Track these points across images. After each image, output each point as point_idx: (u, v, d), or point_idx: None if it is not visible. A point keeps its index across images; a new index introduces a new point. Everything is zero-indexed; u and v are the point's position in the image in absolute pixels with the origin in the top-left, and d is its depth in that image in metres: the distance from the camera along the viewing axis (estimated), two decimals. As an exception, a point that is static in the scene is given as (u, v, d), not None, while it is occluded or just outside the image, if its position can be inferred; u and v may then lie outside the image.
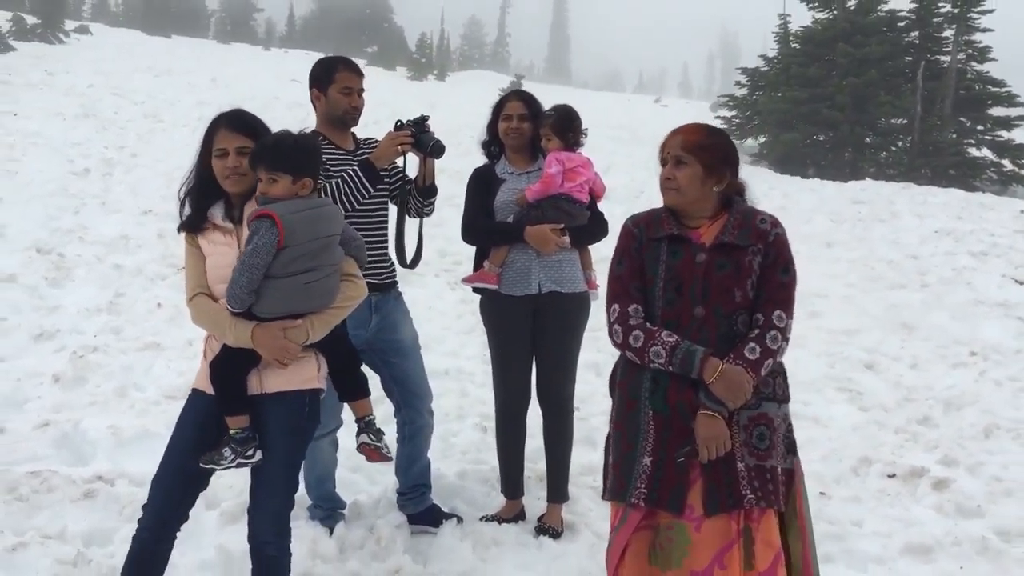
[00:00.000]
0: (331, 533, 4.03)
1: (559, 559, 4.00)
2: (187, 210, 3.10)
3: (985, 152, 22.28)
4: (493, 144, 4.34)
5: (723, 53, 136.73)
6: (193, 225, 3.06)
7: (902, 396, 6.39)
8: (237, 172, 2.98)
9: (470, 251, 4.39)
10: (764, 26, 27.40)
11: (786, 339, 2.77)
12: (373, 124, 17.78)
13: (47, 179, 10.59)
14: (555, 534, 4.20)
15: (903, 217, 13.31)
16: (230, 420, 2.95)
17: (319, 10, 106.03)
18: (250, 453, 2.96)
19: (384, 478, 4.58)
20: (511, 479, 4.38)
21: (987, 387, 6.60)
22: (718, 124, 26.65)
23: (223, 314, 2.95)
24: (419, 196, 4.05)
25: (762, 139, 24.69)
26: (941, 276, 9.93)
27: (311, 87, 3.99)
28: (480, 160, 4.44)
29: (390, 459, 3.41)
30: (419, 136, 3.80)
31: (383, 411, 5.00)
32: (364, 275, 3.83)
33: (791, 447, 2.84)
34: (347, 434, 4.39)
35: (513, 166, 4.27)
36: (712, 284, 2.77)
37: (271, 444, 3.02)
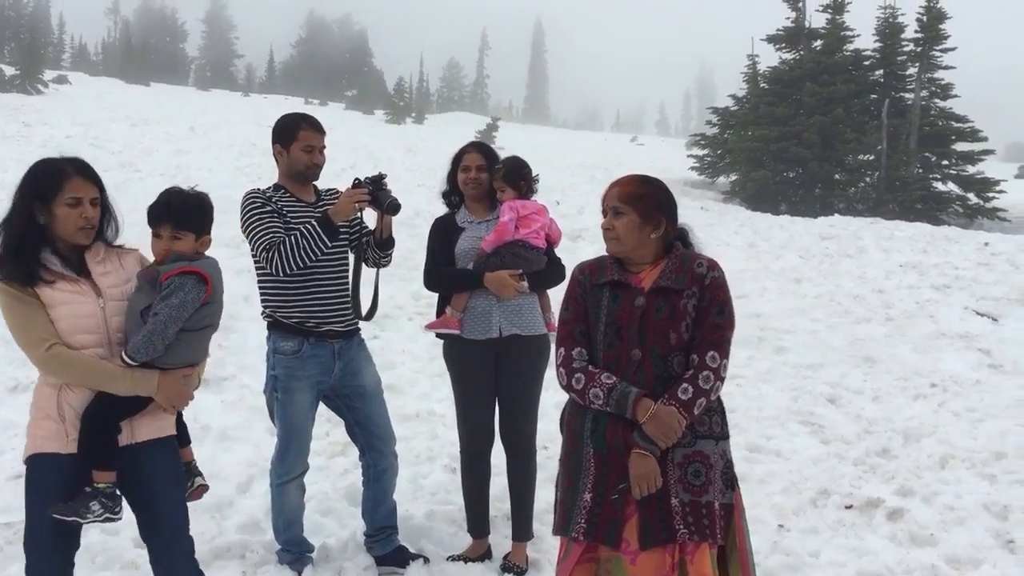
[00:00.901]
0: (299, 576, 4.12)
1: (523, 596, 4.11)
2: (13, 260, 2.88)
3: (951, 186, 22.77)
4: (453, 194, 4.53)
5: (699, 91, 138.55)
6: (30, 275, 2.87)
7: (862, 428, 6.54)
8: (91, 225, 2.96)
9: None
10: (739, 65, 27.88)
11: (720, 379, 2.89)
12: (350, 168, 18.09)
13: (24, 231, 10.65)
14: (519, 571, 4.31)
15: (870, 252, 13.59)
16: (100, 475, 2.93)
17: (299, 55, 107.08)
18: (118, 509, 2.97)
19: (353, 521, 4.69)
20: (476, 518, 4.50)
21: (945, 418, 6.78)
22: (691, 162, 27.11)
23: (104, 364, 2.92)
24: (376, 248, 4.22)
25: (733, 177, 25.09)
26: (905, 309, 10.16)
27: (274, 143, 4.14)
28: (443, 209, 4.62)
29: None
30: (376, 193, 3.94)
31: (352, 454, 5.15)
32: (328, 322, 4.01)
33: (730, 482, 2.95)
34: (314, 479, 4.52)
35: (472, 215, 4.45)
36: (648, 327, 2.93)
37: (160, 488, 3.07)
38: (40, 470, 2.94)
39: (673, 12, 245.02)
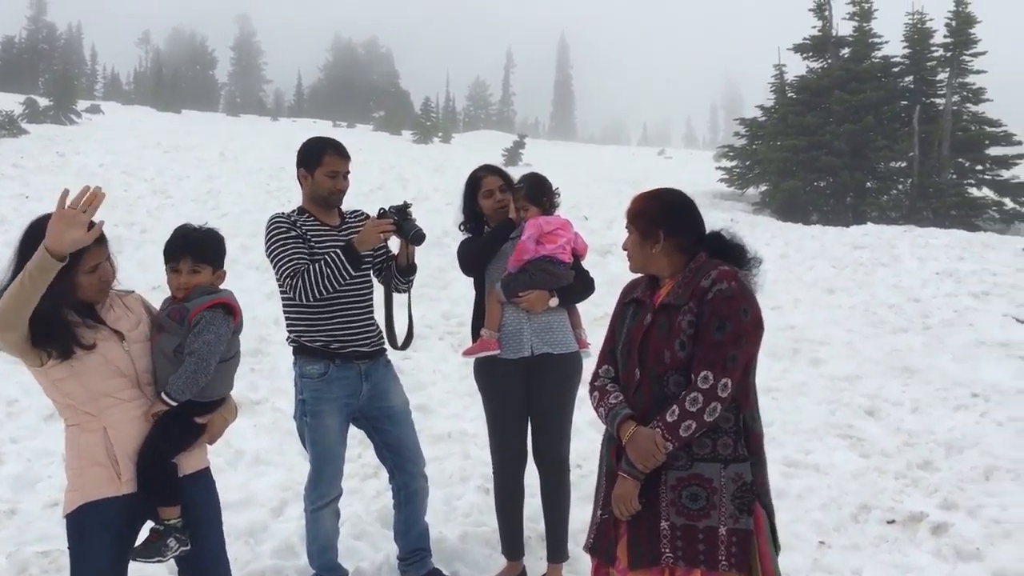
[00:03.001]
0: (334, 602, 4.10)
1: (559, 618, 4.06)
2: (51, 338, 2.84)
3: (986, 192, 22.43)
4: (471, 221, 4.51)
5: (726, 103, 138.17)
6: (67, 348, 2.86)
7: (903, 441, 6.42)
8: (108, 284, 3.02)
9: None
10: (766, 75, 27.75)
11: (717, 399, 2.74)
12: (378, 190, 18.19)
13: (58, 259, 10.79)
14: (555, 593, 4.26)
15: (904, 260, 13.39)
16: (167, 511, 3.00)
17: (326, 79, 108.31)
18: (185, 539, 3.03)
19: (387, 544, 4.66)
20: (511, 540, 4.45)
21: (988, 428, 6.63)
22: (719, 174, 26.96)
23: (12, 287, 2.72)
24: (398, 274, 4.21)
25: (763, 188, 24.91)
26: (943, 318, 9.98)
27: (299, 166, 4.14)
28: None
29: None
30: (401, 223, 3.92)
31: (384, 476, 5.13)
32: (353, 343, 3.99)
33: (746, 507, 2.80)
34: (347, 502, 4.50)
35: (499, 234, 4.42)
36: (649, 345, 2.89)
37: (208, 519, 3.13)
38: (94, 517, 2.93)
39: (698, 25, 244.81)
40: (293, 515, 5.03)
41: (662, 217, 2.98)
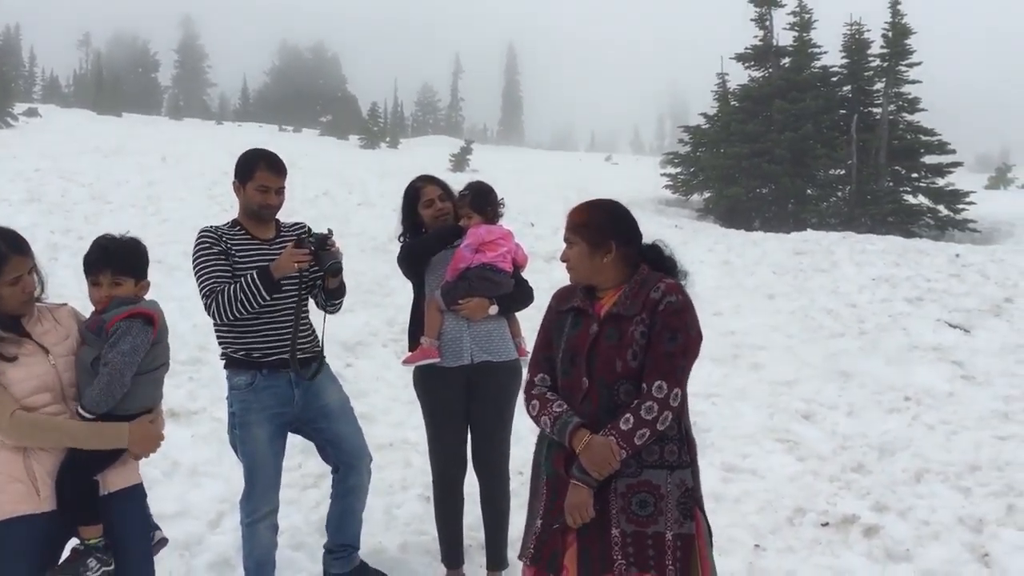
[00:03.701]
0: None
1: (498, 627, 4.07)
2: None
3: (921, 199, 22.95)
4: (408, 233, 4.51)
5: (673, 111, 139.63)
6: None
7: (838, 444, 6.54)
8: (32, 295, 2.96)
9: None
10: (711, 84, 28.13)
11: (669, 408, 2.82)
12: (323, 196, 18.04)
13: (-9, 266, 10.52)
14: (494, 602, 4.27)
15: (843, 266, 13.64)
16: (88, 530, 2.94)
17: (272, 83, 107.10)
18: (111, 560, 2.96)
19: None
20: (451, 548, 4.46)
21: (919, 431, 6.78)
22: (664, 181, 27.24)
23: (70, 423, 2.90)
24: (325, 296, 4.15)
25: (707, 194, 25.22)
26: (878, 323, 10.19)
27: (234, 177, 4.08)
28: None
29: None
30: (319, 253, 3.86)
31: (324, 486, 5.11)
32: (277, 352, 3.94)
33: (688, 512, 2.88)
34: (285, 512, 4.45)
35: (438, 248, 4.43)
36: (598, 354, 2.91)
37: (135, 537, 3.08)
38: (12, 535, 2.86)
39: (646, 34, 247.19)
40: (230, 527, 4.96)
41: (612, 228, 3.00)
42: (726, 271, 13.25)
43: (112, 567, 2.97)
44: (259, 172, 3.96)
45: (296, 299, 4.01)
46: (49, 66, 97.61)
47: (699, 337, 2.94)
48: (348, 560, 4.27)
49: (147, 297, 3.19)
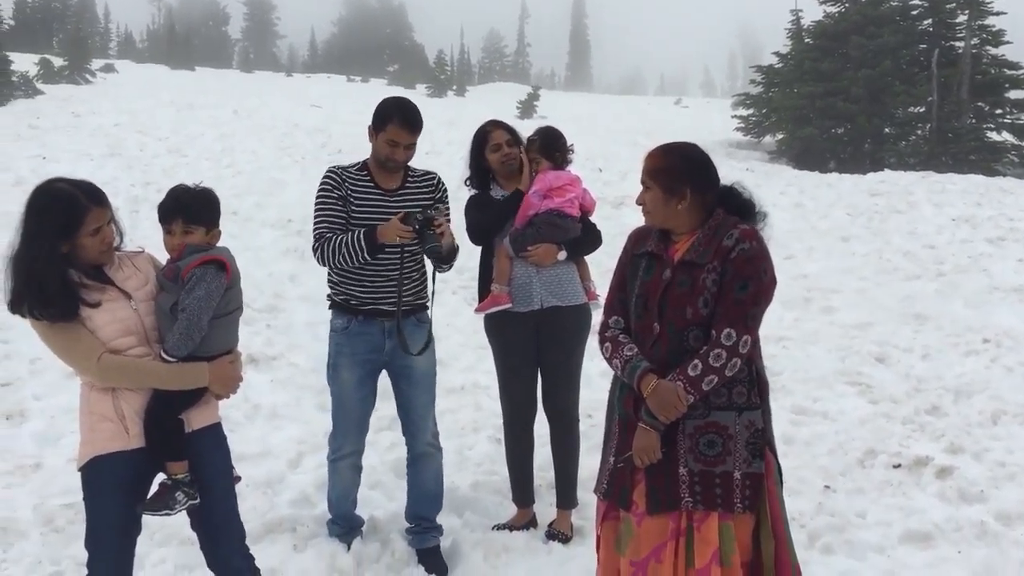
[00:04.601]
0: (348, 548, 4.22)
1: (568, 563, 4.18)
2: (37, 294, 2.90)
3: (1005, 136, 22.09)
4: (474, 178, 4.53)
5: (744, 51, 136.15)
6: (66, 312, 2.92)
7: (911, 387, 6.47)
8: (111, 246, 3.05)
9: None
10: (782, 21, 27.33)
11: (738, 355, 2.84)
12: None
13: (77, 220, 10.91)
14: (564, 539, 4.38)
15: (921, 207, 13.29)
16: (174, 466, 3.08)
17: (340, 33, 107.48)
18: (195, 494, 3.12)
19: (400, 494, 4.75)
20: (521, 488, 4.57)
21: (998, 373, 6.67)
22: (736, 123, 26.70)
23: (154, 364, 3.03)
24: (433, 257, 4.02)
25: (780, 136, 24.66)
26: (957, 264, 9.95)
27: (370, 122, 4.04)
28: None
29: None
30: (423, 233, 3.79)
31: (397, 428, 5.27)
32: (373, 303, 4.02)
33: (758, 452, 2.92)
34: (367, 457, 4.58)
35: (505, 191, 4.46)
36: (669, 301, 2.94)
37: (217, 474, 3.20)
38: (105, 470, 3.02)
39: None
40: (309, 467, 5.16)
41: (688, 173, 2.98)
42: (799, 214, 13.02)
43: (197, 500, 3.13)
44: (391, 126, 3.91)
45: (399, 260, 4.01)
46: (123, 22, 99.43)
47: (772, 283, 2.93)
48: (421, 537, 4.28)
49: (221, 245, 3.30)
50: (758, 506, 2.91)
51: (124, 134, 17.62)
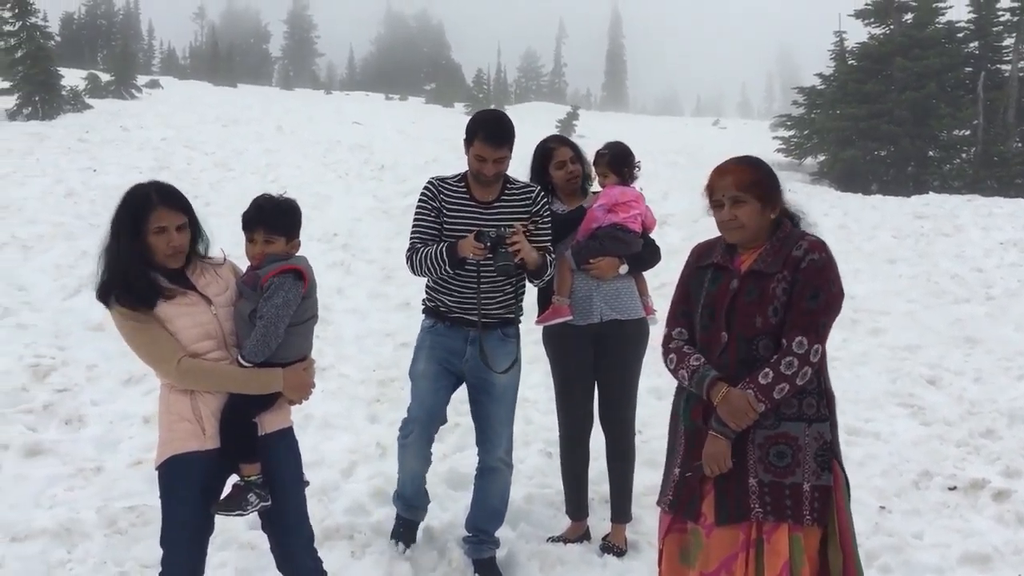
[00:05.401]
0: (404, 552, 4.31)
1: (623, 576, 4.18)
2: (121, 284, 3.04)
3: (1053, 160, 21.83)
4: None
5: (781, 71, 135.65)
6: (145, 298, 3.03)
7: (965, 410, 6.40)
8: (180, 251, 3.10)
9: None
10: (822, 43, 27.25)
11: (809, 364, 2.85)
12: (433, 162, 18.26)
13: (128, 231, 11.11)
14: (619, 552, 4.39)
15: (967, 230, 13.17)
16: (248, 467, 3.16)
17: (378, 51, 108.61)
18: (266, 495, 3.18)
19: (453, 504, 4.83)
20: (576, 501, 4.58)
21: (1053, 398, 6.57)
22: (776, 144, 26.61)
23: (231, 369, 3.12)
24: (526, 272, 4.11)
25: (821, 157, 24.54)
26: (1007, 288, 9.85)
27: (464, 137, 4.10)
28: None
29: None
30: (496, 250, 3.83)
31: (448, 439, 5.29)
32: (457, 312, 4.10)
33: (826, 464, 2.92)
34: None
35: (565, 205, 4.51)
36: (738, 310, 2.96)
37: (289, 476, 3.27)
38: (181, 469, 3.10)
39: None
40: (362, 476, 5.21)
41: (776, 185, 3.04)
42: (844, 235, 12.93)
43: (269, 502, 3.19)
44: (477, 141, 3.95)
45: (476, 274, 4.05)
46: (166, 39, 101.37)
47: (840, 294, 2.96)
48: (478, 547, 4.29)
49: (300, 255, 3.37)
50: (826, 520, 2.91)
51: (172, 148, 17.94)
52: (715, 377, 2.94)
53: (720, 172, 3.07)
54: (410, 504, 4.41)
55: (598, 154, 4.51)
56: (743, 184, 3.00)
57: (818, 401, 2.95)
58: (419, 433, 4.23)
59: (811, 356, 2.85)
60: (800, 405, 2.92)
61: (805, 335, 2.85)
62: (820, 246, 2.96)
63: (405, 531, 4.42)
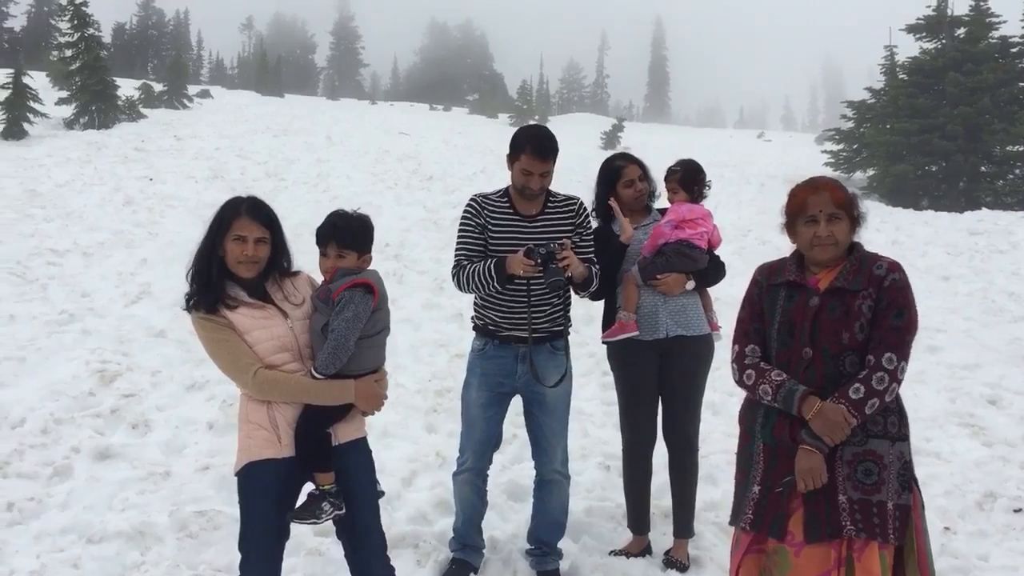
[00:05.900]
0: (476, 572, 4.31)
1: (687, 591, 4.19)
2: (202, 291, 3.20)
3: (1108, 176, 21.38)
4: (600, 209, 4.59)
5: (826, 84, 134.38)
6: (215, 303, 3.17)
7: (1028, 431, 6.31)
8: (252, 260, 3.22)
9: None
10: (869, 57, 26.98)
11: (897, 380, 2.90)
12: (480, 173, 18.33)
13: (185, 239, 11.28)
14: (682, 567, 4.40)
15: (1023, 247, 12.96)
16: (323, 477, 3.23)
17: (421, 62, 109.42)
18: (340, 504, 3.25)
19: (515, 516, 4.87)
20: (638, 515, 4.59)
21: (1118, 420, 6.46)
22: (824, 158, 26.37)
23: (304, 380, 3.20)
24: (573, 285, 4.11)
25: (871, 172, 24.26)
26: (1066, 307, 9.67)
27: (508, 152, 4.13)
28: None
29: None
30: (546, 267, 3.83)
31: (508, 451, 5.32)
32: (507, 329, 4.11)
33: (907, 484, 2.95)
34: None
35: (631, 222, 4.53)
36: (821, 326, 2.98)
37: (362, 485, 3.34)
38: (258, 476, 3.20)
39: (795, 5, 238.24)
40: (423, 485, 5.27)
41: (859, 205, 3.12)
42: (896, 251, 12.78)
43: (343, 511, 3.26)
44: (523, 155, 3.97)
45: (527, 291, 4.07)
46: (215, 49, 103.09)
47: (917, 315, 3.00)
48: (542, 559, 4.35)
49: (372, 268, 3.45)
50: (903, 539, 2.91)
51: (225, 157, 18.25)
52: (806, 391, 2.95)
53: (814, 188, 3.10)
54: (464, 543, 4.38)
55: (670, 171, 4.55)
56: (840, 202, 3.06)
57: (900, 420, 3.00)
58: (472, 464, 4.27)
59: (899, 373, 2.90)
60: (885, 423, 2.96)
61: (894, 352, 2.89)
62: (898, 266, 3.04)
63: (458, 571, 4.35)
